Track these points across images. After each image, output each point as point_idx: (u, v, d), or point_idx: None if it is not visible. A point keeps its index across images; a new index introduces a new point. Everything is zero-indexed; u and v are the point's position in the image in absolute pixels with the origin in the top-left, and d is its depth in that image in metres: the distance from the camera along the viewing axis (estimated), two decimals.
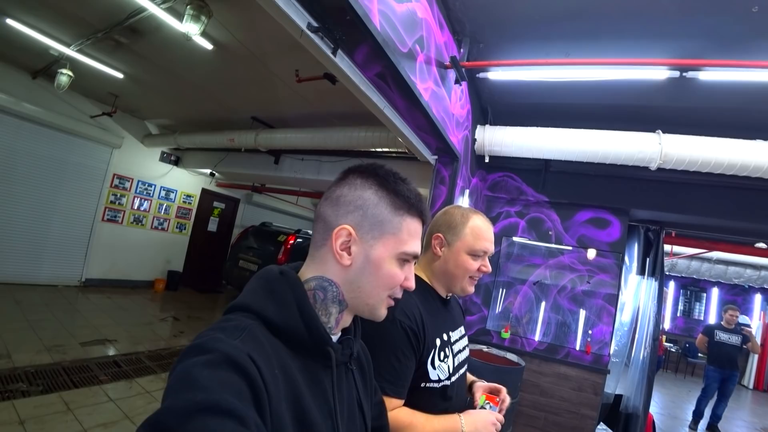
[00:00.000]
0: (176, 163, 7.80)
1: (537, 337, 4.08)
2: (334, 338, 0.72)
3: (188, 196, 8.25)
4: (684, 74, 2.53)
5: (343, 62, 1.90)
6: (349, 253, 0.68)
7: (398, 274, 0.70)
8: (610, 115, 3.40)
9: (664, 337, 9.89)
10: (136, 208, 7.28)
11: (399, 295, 0.73)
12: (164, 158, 7.60)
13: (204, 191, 8.59)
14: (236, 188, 9.02)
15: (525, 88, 3.22)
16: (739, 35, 2.28)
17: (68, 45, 4.32)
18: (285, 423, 0.55)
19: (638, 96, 3.03)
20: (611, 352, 3.91)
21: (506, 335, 4.08)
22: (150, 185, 7.46)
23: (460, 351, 1.26)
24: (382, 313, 0.72)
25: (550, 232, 4.23)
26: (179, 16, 3.05)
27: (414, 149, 3.05)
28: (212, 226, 8.94)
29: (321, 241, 0.70)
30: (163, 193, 7.72)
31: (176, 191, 7.98)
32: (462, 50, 2.78)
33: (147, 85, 5.30)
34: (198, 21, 2.85)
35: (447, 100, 2.79)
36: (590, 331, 3.91)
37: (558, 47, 2.69)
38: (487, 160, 3.75)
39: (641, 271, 4.25)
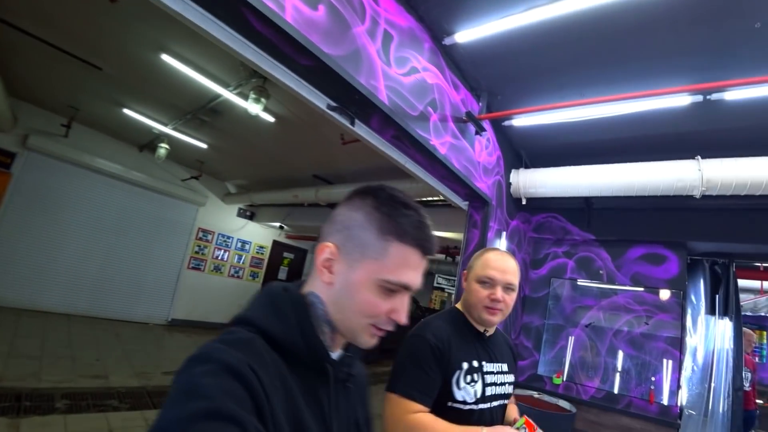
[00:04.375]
0: (251, 217, 8.80)
1: (594, 384, 3.87)
2: (333, 356, 0.70)
3: (261, 247, 9.19)
4: (708, 97, 2.52)
5: (361, 129, 2.28)
6: (331, 272, 0.67)
7: (376, 303, 0.65)
8: (645, 146, 3.34)
9: None
10: (215, 257, 8.26)
11: (386, 326, 0.68)
12: (241, 214, 8.64)
13: (275, 243, 9.50)
14: (304, 240, 9.80)
15: (552, 130, 3.35)
16: (752, 52, 2.24)
17: (166, 125, 5.36)
18: None
19: (668, 124, 2.98)
20: (682, 402, 3.58)
21: (558, 381, 3.93)
22: (228, 238, 8.47)
23: (495, 384, 1.31)
24: (365, 340, 0.68)
25: (600, 272, 4.11)
26: (246, 98, 3.73)
27: (445, 197, 3.30)
28: (282, 274, 9.73)
29: (314, 257, 0.70)
30: (239, 245, 8.69)
31: (251, 243, 8.93)
32: (480, 104, 3.05)
33: (225, 153, 6.25)
34: (259, 102, 3.49)
35: (469, 150, 3.04)
36: (653, 378, 3.63)
37: (572, 89, 2.83)
38: (524, 202, 3.84)
39: (711, 310, 3.90)
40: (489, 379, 1.29)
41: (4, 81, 4.53)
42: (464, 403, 1.19)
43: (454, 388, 1.19)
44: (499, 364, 1.36)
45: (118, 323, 6.67)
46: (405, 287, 0.66)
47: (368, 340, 0.68)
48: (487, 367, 1.30)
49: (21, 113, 5.70)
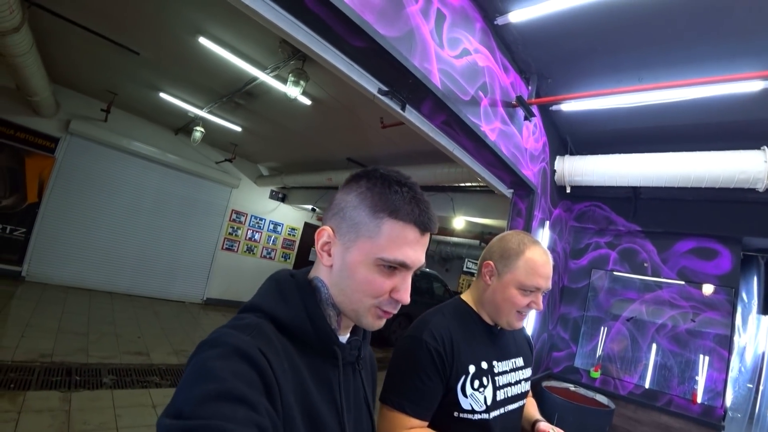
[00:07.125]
0: (283, 199, 8.90)
1: (632, 380, 3.75)
2: (342, 339, 0.72)
3: (293, 229, 9.32)
4: None
5: (411, 115, 2.19)
6: (329, 254, 0.68)
7: (377, 281, 0.65)
8: (703, 135, 3.12)
9: None
10: (248, 238, 8.43)
11: (389, 307, 0.67)
12: (273, 196, 8.74)
13: (306, 225, 9.61)
14: None
15: (603, 115, 3.17)
16: None
17: (201, 108, 5.40)
18: (294, 414, 0.57)
19: (732, 111, 2.77)
20: (727, 404, 3.43)
21: (596, 375, 3.83)
22: (261, 219, 8.61)
23: (509, 384, 1.18)
24: (369, 321, 0.68)
25: (645, 264, 3.94)
26: (284, 81, 3.68)
27: (489, 184, 3.19)
28: (313, 256, 9.75)
29: (315, 242, 0.71)
30: (271, 226, 8.84)
31: (282, 224, 9.06)
32: (530, 88, 2.91)
33: (259, 135, 6.26)
34: (298, 85, 3.43)
35: (518, 137, 2.91)
36: (697, 377, 3.49)
37: (629, 73, 2.65)
38: (568, 190, 3.69)
39: (764, 310, 3.69)
40: (501, 380, 1.15)
41: (45, 67, 4.62)
42: (473, 412, 1.05)
43: (460, 397, 1.05)
44: (513, 360, 1.23)
45: (157, 301, 6.95)
46: (402, 265, 0.65)
47: (373, 322, 0.68)
48: (499, 366, 1.16)
49: (63, 99, 5.86)
